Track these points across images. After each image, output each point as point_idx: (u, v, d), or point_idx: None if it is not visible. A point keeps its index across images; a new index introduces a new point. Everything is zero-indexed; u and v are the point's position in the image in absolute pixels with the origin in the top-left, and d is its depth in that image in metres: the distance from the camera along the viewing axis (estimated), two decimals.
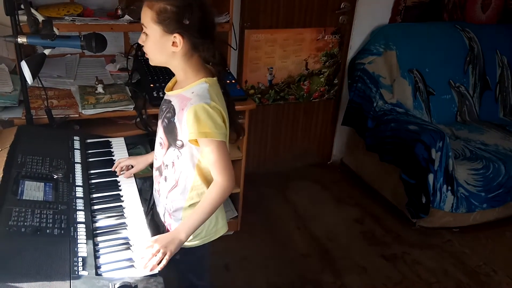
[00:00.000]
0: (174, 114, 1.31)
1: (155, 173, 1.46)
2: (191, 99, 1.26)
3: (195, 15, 1.22)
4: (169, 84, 1.41)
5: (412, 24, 3.21)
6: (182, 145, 1.33)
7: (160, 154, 1.41)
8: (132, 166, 1.57)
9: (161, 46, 1.26)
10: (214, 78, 1.34)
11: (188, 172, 1.36)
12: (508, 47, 3.42)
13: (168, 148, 1.37)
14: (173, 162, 1.37)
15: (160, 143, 1.40)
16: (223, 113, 1.30)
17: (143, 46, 1.30)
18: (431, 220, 2.73)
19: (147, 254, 1.20)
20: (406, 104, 3.01)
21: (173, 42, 1.25)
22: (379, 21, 3.14)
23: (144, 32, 1.28)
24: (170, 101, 1.35)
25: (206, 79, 1.31)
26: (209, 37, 1.28)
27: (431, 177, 2.57)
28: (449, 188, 2.62)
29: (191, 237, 1.37)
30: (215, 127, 1.26)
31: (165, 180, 1.41)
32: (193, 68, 1.31)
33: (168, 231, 1.43)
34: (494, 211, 2.82)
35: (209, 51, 1.29)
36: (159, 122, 1.40)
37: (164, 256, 1.22)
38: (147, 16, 1.24)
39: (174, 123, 1.31)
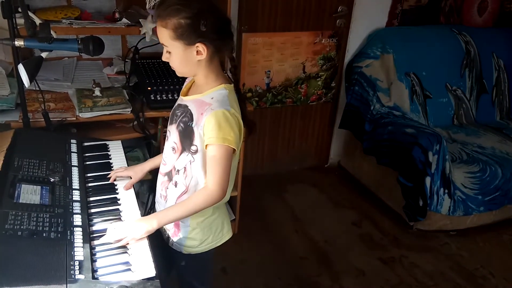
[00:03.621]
0: (191, 118, 1.30)
1: (163, 179, 1.43)
2: (211, 104, 1.26)
3: (210, 20, 1.22)
4: (184, 88, 1.41)
5: (409, 27, 3.22)
6: (197, 151, 1.31)
7: (172, 159, 1.38)
8: (130, 177, 1.53)
9: (187, 59, 1.27)
10: (231, 85, 1.34)
11: (199, 178, 1.35)
12: (504, 50, 3.44)
13: (181, 153, 1.35)
14: (185, 168, 1.35)
15: (173, 148, 1.38)
16: (240, 122, 1.30)
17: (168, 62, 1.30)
18: (428, 223, 2.74)
19: (109, 235, 1.21)
20: (403, 107, 3.02)
21: (197, 51, 1.25)
22: (376, 24, 3.15)
23: (167, 51, 1.28)
24: (186, 106, 1.34)
25: (225, 85, 1.31)
26: (228, 35, 1.28)
27: (428, 180, 2.57)
28: (446, 191, 2.62)
29: (197, 242, 1.39)
30: (234, 134, 1.26)
31: (175, 185, 1.39)
32: (214, 72, 1.32)
33: (172, 236, 1.44)
34: (491, 214, 2.82)
35: (228, 48, 1.31)
36: (173, 126, 1.38)
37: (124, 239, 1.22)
38: (164, 35, 1.24)
39: (192, 128, 1.30)
